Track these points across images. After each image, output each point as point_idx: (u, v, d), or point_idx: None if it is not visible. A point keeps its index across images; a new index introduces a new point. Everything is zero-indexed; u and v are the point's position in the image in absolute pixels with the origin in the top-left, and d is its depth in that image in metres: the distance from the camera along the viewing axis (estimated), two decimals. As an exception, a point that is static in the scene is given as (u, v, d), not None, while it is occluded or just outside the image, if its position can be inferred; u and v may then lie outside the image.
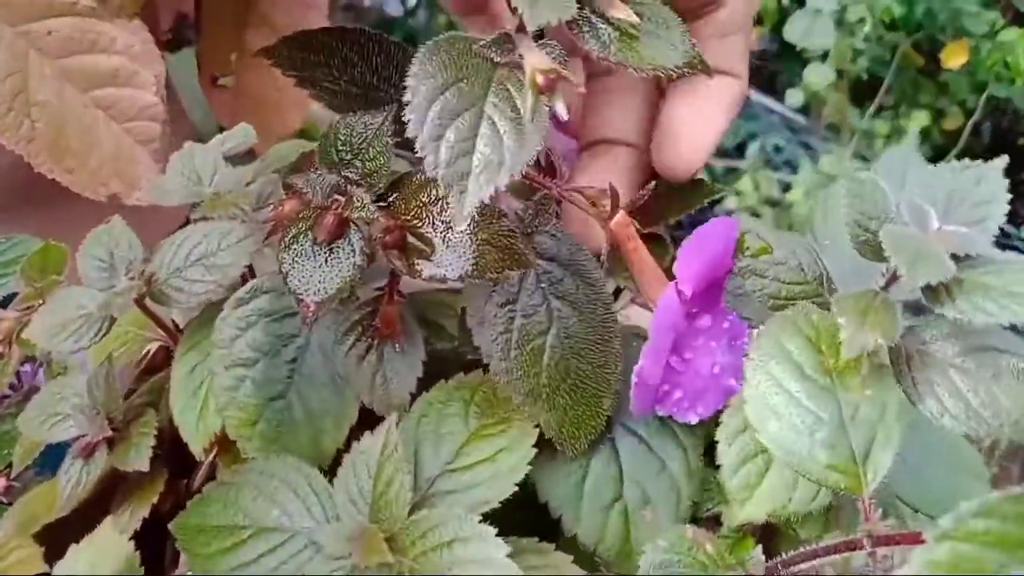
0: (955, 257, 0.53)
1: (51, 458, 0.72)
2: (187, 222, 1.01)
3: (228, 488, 0.56)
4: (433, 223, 0.50)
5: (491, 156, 0.40)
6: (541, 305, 0.54)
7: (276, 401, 0.60)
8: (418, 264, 0.50)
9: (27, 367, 0.81)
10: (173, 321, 0.69)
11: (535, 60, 0.41)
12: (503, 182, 0.40)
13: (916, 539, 0.47)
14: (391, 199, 0.51)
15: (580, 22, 0.45)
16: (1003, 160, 0.58)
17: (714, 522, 0.60)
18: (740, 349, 0.55)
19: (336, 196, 0.50)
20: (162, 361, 0.72)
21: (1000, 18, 2.91)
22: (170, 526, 0.56)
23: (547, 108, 0.42)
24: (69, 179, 0.85)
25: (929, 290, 0.53)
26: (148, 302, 0.65)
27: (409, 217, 0.50)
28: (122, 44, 0.86)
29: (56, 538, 0.66)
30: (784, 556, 0.53)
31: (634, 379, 0.50)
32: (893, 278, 0.56)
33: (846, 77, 3.00)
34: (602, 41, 0.45)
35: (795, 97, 3.16)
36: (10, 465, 0.72)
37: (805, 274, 0.61)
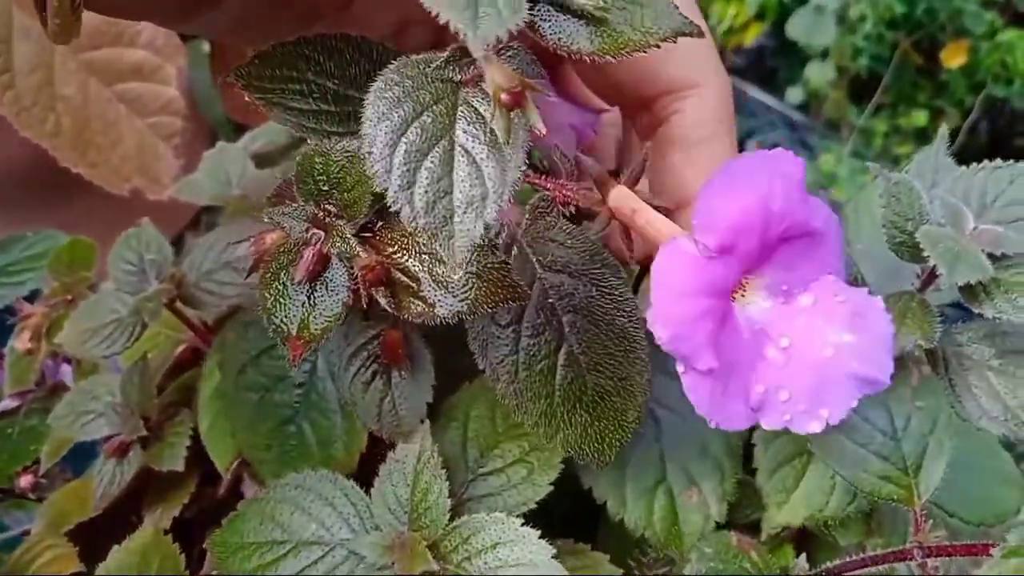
0: (992, 256, 0.53)
1: (74, 456, 0.72)
2: (198, 219, 1.01)
3: (264, 504, 0.56)
4: (419, 256, 0.45)
5: (472, 192, 0.35)
6: (549, 322, 0.50)
7: (287, 426, 0.60)
8: (405, 301, 0.45)
9: (48, 361, 0.81)
10: (203, 322, 0.69)
11: (495, 75, 0.35)
12: (492, 215, 0.35)
13: (970, 551, 0.47)
14: (377, 228, 0.47)
15: (536, 21, 0.39)
16: (1033, 160, 0.59)
17: (752, 529, 0.60)
18: (871, 327, 0.43)
19: (316, 230, 0.45)
20: (190, 359, 0.72)
21: (999, 19, 2.92)
22: (206, 545, 0.56)
23: (524, 121, 0.37)
24: (92, 173, 0.85)
25: (967, 290, 0.53)
26: (179, 305, 0.65)
27: (394, 249, 0.45)
28: (146, 38, 0.86)
29: (85, 536, 0.66)
30: (828, 565, 0.53)
31: (679, 369, 0.41)
32: (929, 279, 0.56)
33: (845, 75, 3.01)
34: (567, 34, 0.39)
35: (795, 94, 3.16)
36: (37, 461, 0.72)
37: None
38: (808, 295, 0.44)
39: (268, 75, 0.44)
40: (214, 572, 0.59)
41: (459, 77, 0.37)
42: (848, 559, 0.55)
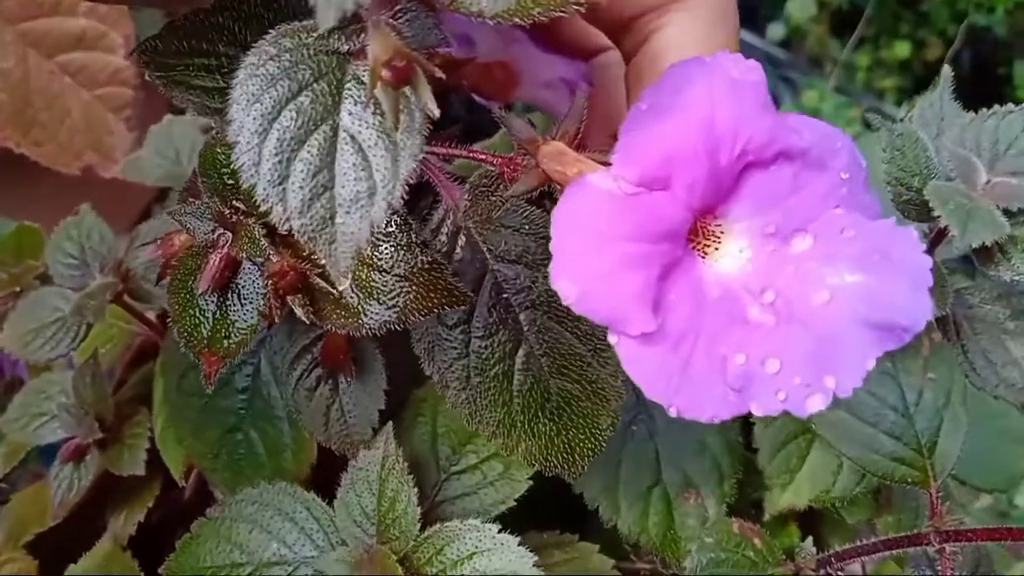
0: (1006, 212, 0.49)
1: (44, 450, 0.67)
2: (161, 194, 0.96)
3: (220, 523, 0.51)
4: None
5: (357, 187, 0.30)
6: (504, 321, 0.44)
7: (234, 433, 0.55)
8: (327, 310, 0.39)
9: (9, 356, 0.77)
10: (158, 315, 0.64)
11: (377, 47, 0.29)
12: (380, 216, 0.30)
13: (991, 535, 0.43)
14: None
15: None
16: (1049, 105, 0.54)
17: (755, 507, 0.56)
18: (893, 261, 0.33)
19: (223, 230, 0.39)
20: (151, 349, 0.68)
21: (981, -55, 2.86)
22: (161, 570, 0.51)
23: (418, 100, 0.31)
24: (38, 152, 0.79)
25: (982, 251, 0.48)
26: (127, 299, 0.60)
27: (310, 251, 0.37)
28: (87, 5, 0.80)
29: (47, 546, 0.62)
30: (837, 549, 0.50)
31: (612, 340, 0.32)
32: (938, 238, 0.52)
33: (827, 9, 2.95)
34: None
35: (776, 31, 3.10)
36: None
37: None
38: (804, 236, 0.34)
39: (175, 49, 0.37)
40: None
41: (347, 48, 0.31)
42: (859, 542, 0.52)
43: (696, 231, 0.35)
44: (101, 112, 0.83)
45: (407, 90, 0.30)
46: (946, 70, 0.57)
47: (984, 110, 0.53)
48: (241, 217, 0.39)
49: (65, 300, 0.57)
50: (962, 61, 3.01)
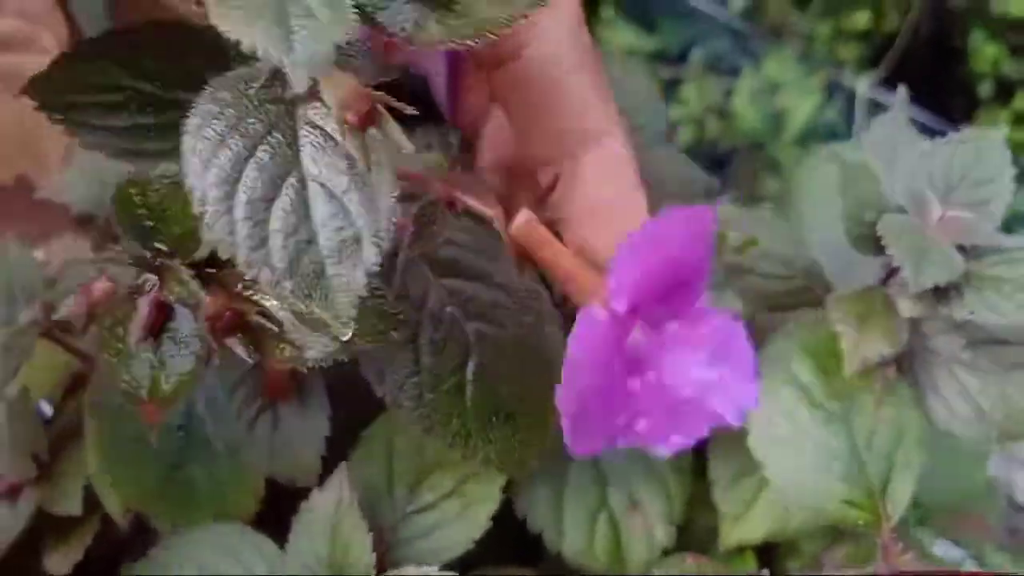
0: (961, 248, 0.48)
1: None
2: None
3: (166, 560, 0.49)
4: None
5: (341, 235, 0.29)
6: (451, 336, 0.44)
7: (176, 472, 0.53)
8: (270, 347, 0.37)
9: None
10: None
11: (337, 92, 0.28)
12: (372, 259, 0.29)
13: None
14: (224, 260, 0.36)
15: (369, 7, 0.31)
16: (1001, 132, 0.53)
17: (710, 534, 0.55)
18: (735, 359, 0.37)
19: (148, 275, 0.37)
20: (84, 380, 0.65)
21: (941, -87, 2.85)
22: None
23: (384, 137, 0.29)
24: (-35, 162, 0.76)
25: (936, 289, 0.48)
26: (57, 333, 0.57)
27: (243, 287, 0.37)
28: (15, 5, 0.76)
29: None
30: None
31: (563, 420, 0.34)
32: (893, 272, 0.51)
33: (788, -22, 2.94)
34: (410, 19, 0.31)
35: (737, 1, 3.09)
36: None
37: (793, 265, 0.56)
38: (674, 324, 0.36)
39: (70, 85, 0.34)
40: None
41: (291, 94, 0.30)
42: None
43: None
44: (34, 117, 0.79)
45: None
46: (900, 91, 0.56)
47: (939, 138, 0.52)
48: (165, 260, 0.37)
49: (-11, 336, 0.54)
50: (921, 33, 3.02)
